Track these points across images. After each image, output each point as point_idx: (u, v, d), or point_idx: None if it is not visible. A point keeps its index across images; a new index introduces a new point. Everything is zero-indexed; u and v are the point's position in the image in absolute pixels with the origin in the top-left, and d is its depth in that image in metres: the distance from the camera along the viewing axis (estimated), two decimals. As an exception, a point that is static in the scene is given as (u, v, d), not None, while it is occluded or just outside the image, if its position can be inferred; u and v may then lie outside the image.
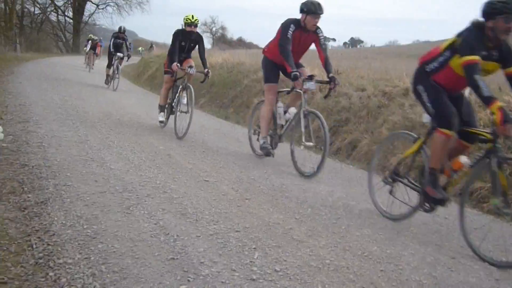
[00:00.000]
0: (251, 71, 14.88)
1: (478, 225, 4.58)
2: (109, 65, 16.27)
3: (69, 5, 51.08)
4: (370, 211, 5.06)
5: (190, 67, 8.26)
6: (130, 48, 17.59)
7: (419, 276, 3.48)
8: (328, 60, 6.61)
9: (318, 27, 6.57)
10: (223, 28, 75.39)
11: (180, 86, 8.34)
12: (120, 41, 16.38)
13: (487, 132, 4.20)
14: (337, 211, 4.90)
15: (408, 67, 11.98)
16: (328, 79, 6.63)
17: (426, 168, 4.63)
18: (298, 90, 6.53)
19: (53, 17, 52.25)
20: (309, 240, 3.99)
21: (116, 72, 15.81)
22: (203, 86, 16.18)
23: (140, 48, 48.16)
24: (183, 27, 8.60)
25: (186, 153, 6.92)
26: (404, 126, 8.49)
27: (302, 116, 6.48)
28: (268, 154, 6.80)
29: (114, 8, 51.78)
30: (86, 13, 51.85)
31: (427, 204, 4.57)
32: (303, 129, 6.46)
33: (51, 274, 2.96)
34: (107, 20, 57.56)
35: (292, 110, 6.85)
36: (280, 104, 7.02)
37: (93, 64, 23.61)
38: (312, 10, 6.31)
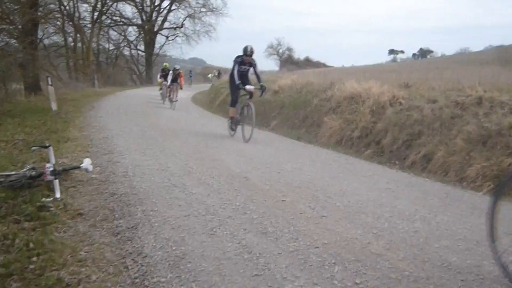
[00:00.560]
0: (320, 90, 15.02)
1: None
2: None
3: (141, 39, 53.27)
4: (448, 222, 5.07)
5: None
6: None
7: (500, 285, 3.50)
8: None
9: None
10: (289, 49, 75.90)
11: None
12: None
13: None
14: (414, 224, 4.95)
15: (481, 75, 11.83)
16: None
17: None
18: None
19: (126, 51, 54.63)
20: (387, 253, 4.08)
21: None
22: (274, 108, 16.55)
23: (209, 75, 49.45)
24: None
25: (262, 175, 7.14)
26: (480, 136, 8.40)
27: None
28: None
29: (183, 38, 53.53)
30: (157, 45, 53.87)
31: None
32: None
33: (147, 292, 3.21)
34: (177, 50, 59.56)
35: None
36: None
37: (176, 96, 21.09)
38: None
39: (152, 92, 29.74)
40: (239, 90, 11.19)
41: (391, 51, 68.45)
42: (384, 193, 6.36)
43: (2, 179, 5.53)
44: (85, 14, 44.84)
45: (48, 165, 5.61)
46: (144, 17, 51.88)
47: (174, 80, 21.23)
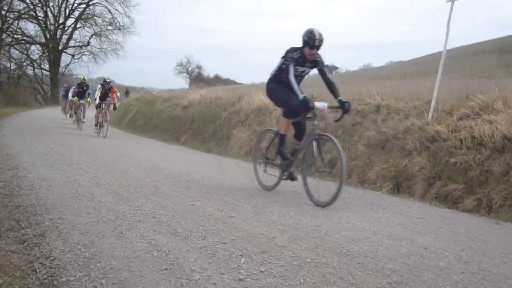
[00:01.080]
0: (228, 104, 15.32)
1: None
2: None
3: (45, 58, 51.59)
4: (348, 217, 5.41)
5: None
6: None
7: (393, 264, 3.82)
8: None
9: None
10: (199, 67, 76.30)
11: None
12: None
13: None
14: (317, 220, 5.24)
15: (380, 87, 12.50)
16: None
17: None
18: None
19: (29, 70, 52.71)
20: (291, 244, 4.32)
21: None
22: (183, 123, 16.65)
23: (118, 94, 48.62)
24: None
25: (171, 183, 7.24)
26: (379, 140, 8.92)
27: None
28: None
29: (90, 57, 52.42)
30: (62, 64, 52.46)
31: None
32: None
33: (56, 291, 3.24)
34: (83, 69, 58.07)
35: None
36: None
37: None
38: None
39: (58, 112, 28.93)
40: (305, 111, 6.40)
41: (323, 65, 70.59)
42: (290, 195, 6.65)
43: None
44: (-16, 32, 43.09)
45: None
46: (48, 35, 50.40)
47: (104, 97, 17.06)
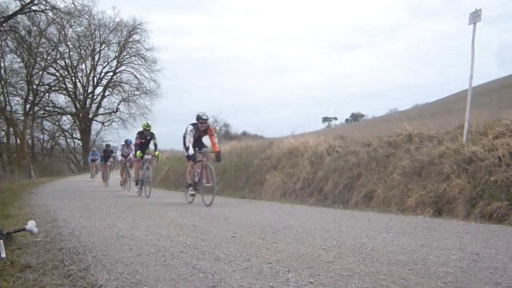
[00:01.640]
0: (259, 151, 15.38)
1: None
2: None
3: (76, 127, 52.80)
4: (393, 236, 5.29)
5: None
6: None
7: (446, 268, 3.70)
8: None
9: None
10: (226, 125, 76.77)
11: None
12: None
13: None
14: (361, 240, 5.15)
15: (409, 125, 12.43)
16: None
17: None
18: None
19: (62, 140, 53.92)
20: (338, 260, 4.23)
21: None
22: (216, 174, 16.67)
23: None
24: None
25: (209, 222, 7.21)
26: (414, 168, 8.81)
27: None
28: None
29: (119, 122, 53.41)
30: (93, 132, 53.50)
31: None
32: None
33: (105, 311, 3.20)
34: (113, 135, 59.11)
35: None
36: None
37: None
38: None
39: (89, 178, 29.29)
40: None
41: (325, 119, 70.46)
42: (331, 224, 6.57)
43: None
44: (17, 106, 44.49)
45: (-10, 226, 5.49)
46: (78, 105, 51.78)
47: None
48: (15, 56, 40.41)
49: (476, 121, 9.09)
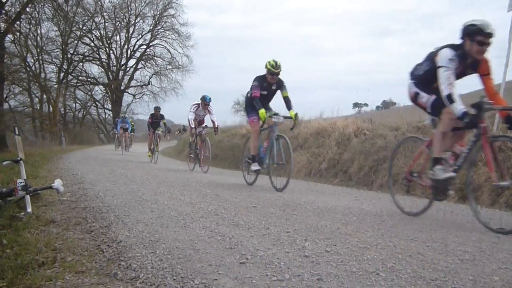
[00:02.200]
0: (287, 130, 15.30)
1: None
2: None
3: (108, 98, 53.32)
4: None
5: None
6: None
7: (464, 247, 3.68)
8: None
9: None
10: (256, 105, 76.78)
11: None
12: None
13: None
14: (381, 218, 5.12)
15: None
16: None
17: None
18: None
19: (93, 110, 54.56)
20: (356, 233, 4.22)
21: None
22: (243, 151, 16.73)
23: (176, 132, 50.33)
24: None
25: (232, 193, 7.25)
26: (442, 154, 8.66)
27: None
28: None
29: (150, 96, 53.67)
30: (124, 104, 53.91)
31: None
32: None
33: (123, 263, 3.27)
34: (144, 108, 59.31)
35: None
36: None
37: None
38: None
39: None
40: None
41: (355, 105, 69.64)
42: (352, 202, 6.56)
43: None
44: (51, 74, 45.07)
45: (19, 180, 5.60)
46: (110, 76, 52.21)
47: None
48: (52, 24, 40.84)
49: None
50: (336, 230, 4.35)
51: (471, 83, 5.50)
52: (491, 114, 9.03)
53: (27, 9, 29.61)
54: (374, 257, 3.38)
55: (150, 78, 53.33)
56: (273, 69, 8.32)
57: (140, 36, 53.59)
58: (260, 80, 8.47)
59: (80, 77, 50.35)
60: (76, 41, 46.62)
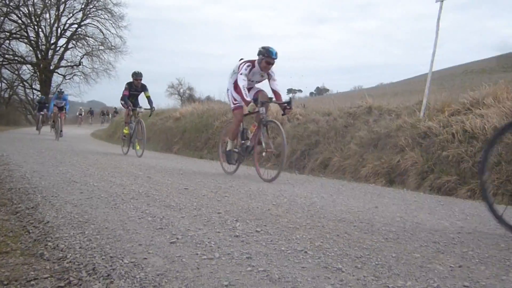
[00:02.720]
0: (220, 113, 15.35)
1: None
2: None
3: (36, 78, 51.36)
4: (343, 198, 5.41)
5: None
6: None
7: (389, 227, 3.82)
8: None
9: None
10: (190, 88, 75.95)
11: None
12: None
13: None
14: (312, 200, 5.24)
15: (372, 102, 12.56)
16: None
17: None
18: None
19: (20, 91, 52.44)
20: (286, 214, 4.31)
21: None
22: (175, 134, 16.64)
23: (110, 115, 49.65)
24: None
25: (164, 175, 7.21)
26: (371, 139, 8.96)
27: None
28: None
29: (81, 77, 52.07)
30: (53, 85, 52.05)
31: None
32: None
33: (50, 244, 3.20)
34: (74, 89, 57.53)
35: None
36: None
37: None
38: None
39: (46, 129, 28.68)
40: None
41: (289, 90, 70.31)
42: (284, 185, 6.65)
43: None
44: (-25, 51, 42.99)
45: None
46: (39, 55, 50.26)
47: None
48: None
49: (435, 98, 9.27)
50: (267, 212, 4.42)
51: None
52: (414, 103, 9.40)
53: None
54: (303, 236, 3.45)
55: (81, 58, 51.62)
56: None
57: (71, 14, 51.62)
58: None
59: (6, 56, 48.15)
60: (2, 18, 44.55)
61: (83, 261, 2.80)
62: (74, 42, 51.56)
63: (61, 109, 19.97)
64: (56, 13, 50.51)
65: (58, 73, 52.45)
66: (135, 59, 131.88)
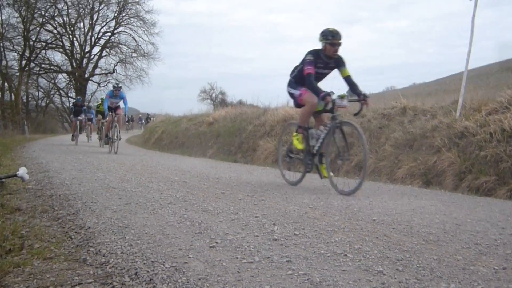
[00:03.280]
0: (253, 117, 15.39)
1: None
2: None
3: (71, 86, 52.32)
4: (380, 201, 5.36)
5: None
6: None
7: (428, 229, 3.77)
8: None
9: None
10: (222, 93, 76.28)
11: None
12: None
13: None
14: (349, 202, 5.21)
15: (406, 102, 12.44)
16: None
17: None
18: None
19: (56, 98, 53.46)
20: (324, 217, 4.29)
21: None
22: (209, 139, 16.74)
23: (143, 121, 50.48)
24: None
25: (199, 180, 7.25)
26: (406, 140, 8.86)
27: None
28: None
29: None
30: (88, 92, 52.95)
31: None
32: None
33: (92, 249, 3.26)
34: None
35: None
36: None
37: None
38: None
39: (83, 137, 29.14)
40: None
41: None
42: (319, 188, 6.63)
43: None
44: (13, 62, 44.06)
45: (-18, 169, 5.49)
46: (74, 64, 51.20)
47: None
48: (13, 10, 39.86)
49: (471, 97, 9.11)
50: (304, 215, 4.42)
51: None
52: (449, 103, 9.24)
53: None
54: (342, 239, 3.45)
55: (115, 66, 52.44)
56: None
57: (104, 23, 52.55)
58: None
59: (42, 65, 49.17)
60: (38, 28, 45.53)
61: (125, 266, 2.85)
62: (107, 50, 52.41)
63: (115, 110, 15.56)
64: (90, 22, 51.44)
65: (93, 81, 53.38)
66: (167, 65, 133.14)
